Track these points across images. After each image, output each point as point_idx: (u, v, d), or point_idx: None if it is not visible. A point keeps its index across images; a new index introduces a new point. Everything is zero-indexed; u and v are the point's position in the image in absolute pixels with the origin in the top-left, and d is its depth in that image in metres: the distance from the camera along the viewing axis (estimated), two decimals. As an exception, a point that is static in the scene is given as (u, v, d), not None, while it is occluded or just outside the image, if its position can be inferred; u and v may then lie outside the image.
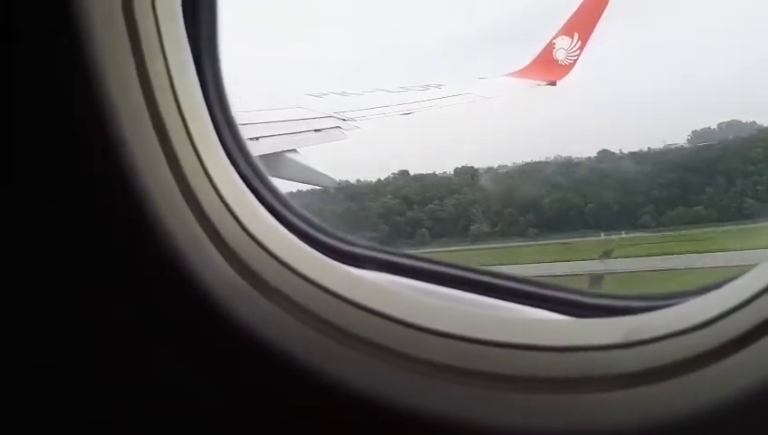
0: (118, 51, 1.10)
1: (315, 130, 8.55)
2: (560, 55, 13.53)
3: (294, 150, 7.84)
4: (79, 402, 1.23)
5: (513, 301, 1.27)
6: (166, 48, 1.15)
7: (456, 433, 1.08)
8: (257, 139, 7.09)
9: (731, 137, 15.76)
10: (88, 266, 1.16)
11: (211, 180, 1.22)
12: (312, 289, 1.21)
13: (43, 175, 1.12)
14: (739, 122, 15.96)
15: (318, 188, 9.21)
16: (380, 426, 1.10)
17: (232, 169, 1.29)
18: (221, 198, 1.23)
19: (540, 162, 16.14)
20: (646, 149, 15.73)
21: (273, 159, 7.39)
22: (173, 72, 1.17)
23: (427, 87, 11.58)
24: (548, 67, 13.49)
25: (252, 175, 1.33)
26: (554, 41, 13.55)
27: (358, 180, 16.11)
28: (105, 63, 1.07)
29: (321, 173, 8.14)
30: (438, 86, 11.72)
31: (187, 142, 1.19)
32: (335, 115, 9.06)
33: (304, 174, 7.88)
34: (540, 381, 1.11)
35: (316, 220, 1.34)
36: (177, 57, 1.18)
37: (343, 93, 10.26)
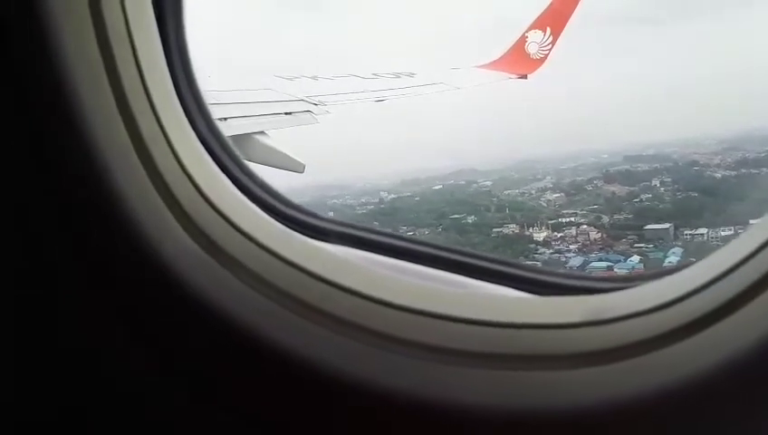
0: (77, 18, 1.07)
1: (286, 114, 8.46)
2: (532, 49, 13.59)
3: (263, 133, 7.75)
4: (33, 371, 1.19)
5: (474, 277, 1.26)
6: (129, 18, 1.12)
7: (413, 408, 1.07)
8: (225, 119, 6.99)
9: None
10: (38, 230, 1.12)
11: (171, 146, 1.19)
12: (271, 260, 1.19)
13: None
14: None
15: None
16: (337, 397, 1.09)
17: (193, 135, 1.26)
18: (180, 164, 1.19)
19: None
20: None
21: (242, 140, 7.29)
22: (135, 37, 1.13)
23: (398, 75, 11.55)
24: (520, 60, 13.55)
25: (214, 142, 1.30)
26: (527, 34, 13.61)
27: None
28: (64, 29, 1.04)
29: (291, 157, 8.04)
30: (410, 74, 11.70)
31: (147, 104, 1.16)
32: (306, 99, 8.97)
33: (273, 157, 7.79)
34: (499, 358, 1.10)
35: (278, 191, 1.32)
36: (142, 30, 1.15)
37: (314, 77, 10.16)
